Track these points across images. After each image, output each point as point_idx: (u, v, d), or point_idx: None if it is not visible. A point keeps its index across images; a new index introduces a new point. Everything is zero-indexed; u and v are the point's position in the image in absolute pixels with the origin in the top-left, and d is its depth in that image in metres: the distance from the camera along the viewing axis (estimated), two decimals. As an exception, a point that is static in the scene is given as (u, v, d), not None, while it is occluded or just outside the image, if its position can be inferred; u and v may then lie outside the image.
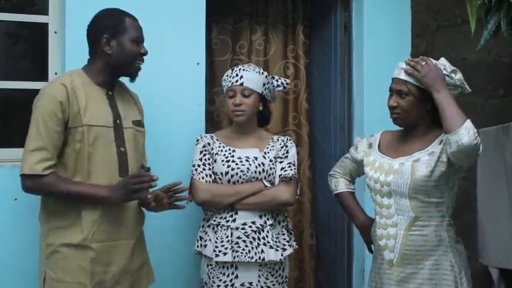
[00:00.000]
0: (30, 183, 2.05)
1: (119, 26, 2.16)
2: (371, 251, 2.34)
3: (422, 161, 2.07)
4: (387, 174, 2.13)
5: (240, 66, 2.57)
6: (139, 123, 2.30)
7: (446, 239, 2.09)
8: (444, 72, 2.09)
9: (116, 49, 2.16)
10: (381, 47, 3.16)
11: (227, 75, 2.56)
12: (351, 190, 2.44)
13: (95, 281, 2.09)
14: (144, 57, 2.24)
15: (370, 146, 2.30)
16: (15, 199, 2.45)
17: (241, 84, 2.49)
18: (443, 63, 2.14)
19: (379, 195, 2.17)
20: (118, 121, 2.19)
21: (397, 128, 2.26)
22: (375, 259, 2.23)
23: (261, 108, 2.57)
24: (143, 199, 2.16)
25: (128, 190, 2.06)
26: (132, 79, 2.25)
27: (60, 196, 2.08)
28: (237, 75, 2.51)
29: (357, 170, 2.40)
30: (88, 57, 2.24)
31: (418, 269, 2.08)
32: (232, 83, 2.51)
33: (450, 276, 2.07)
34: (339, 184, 2.43)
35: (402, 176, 2.08)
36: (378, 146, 2.26)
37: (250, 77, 2.52)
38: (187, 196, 2.26)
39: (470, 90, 2.16)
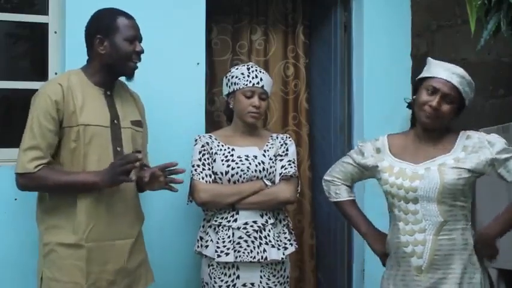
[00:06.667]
0: (23, 180, 2.06)
1: (111, 26, 2.15)
2: (384, 263, 2.26)
3: (449, 165, 2.05)
4: (412, 180, 2.07)
5: (255, 67, 2.53)
6: (138, 124, 2.30)
7: (470, 242, 2.08)
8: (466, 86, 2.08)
9: (109, 49, 2.16)
10: (381, 47, 3.16)
11: (243, 75, 2.49)
12: (353, 198, 2.35)
13: (91, 281, 2.09)
14: (144, 57, 2.23)
15: (378, 150, 2.21)
16: (16, 199, 2.45)
17: (262, 87, 2.49)
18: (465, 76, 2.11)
19: (403, 201, 2.09)
20: (115, 121, 2.19)
21: (399, 130, 2.24)
22: (397, 266, 2.15)
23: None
24: (129, 181, 2.10)
25: (116, 172, 2.05)
26: (129, 78, 2.25)
27: (53, 188, 2.08)
28: (256, 76, 2.49)
29: (361, 176, 2.31)
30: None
31: (447, 274, 2.05)
32: (254, 83, 2.48)
33: (477, 279, 2.06)
34: (341, 192, 2.32)
35: (430, 181, 2.04)
36: (390, 150, 2.19)
37: (267, 81, 2.53)
38: (181, 180, 2.25)
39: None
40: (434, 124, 2.08)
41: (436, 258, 2.05)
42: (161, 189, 2.27)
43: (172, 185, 2.26)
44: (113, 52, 2.16)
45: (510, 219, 2.08)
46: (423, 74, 2.13)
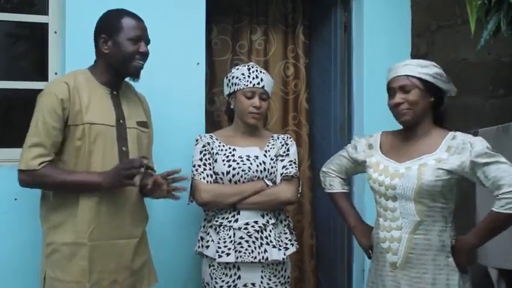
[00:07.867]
0: (25, 177, 2.06)
1: (115, 26, 2.16)
2: (369, 256, 2.29)
3: (429, 166, 2.05)
4: (393, 178, 2.10)
5: (255, 67, 2.53)
6: (143, 124, 2.30)
7: (448, 243, 2.08)
8: (432, 76, 2.09)
9: (112, 49, 2.16)
10: (381, 47, 3.16)
11: (243, 75, 2.50)
12: (346, 191, 2.41)
13: (93, 280, 2.09)
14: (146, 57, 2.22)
15: (370, 146, 2.26)
16: (16, 199, 2.45)
17: (263, 87, 2.49)
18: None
19: (383, 198, 2.14)
20: (121, 121, 2.19)
21: (395, 128, 2.24)
22: (376, 260, 2.21)
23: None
24: (132, 185, 2.11)
25: (120, 176, 2.05)
26: (134, 78, 2.24)
27: (56, 187, 2.09)
28: (257, 76, 2.49)
29: (355, 170, 2.37)
30: (88, 57, 2.24)
31: (421, 273, 2.06)
32: (254, 84, 2.48)
33: (454, 281, 2.06)
34: (335, 183, 2.39)
35: (408, 180, 2.06)
36: (380, 148, 2.23)
37: (268, 82, 2.53)
38: (185, 187, 2.24)
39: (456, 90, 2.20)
40: (412, 119, 2.11)
41: (411, 257, 2.07)
42: (163, 197, 2.24)
43: (175, 193, 2.23)
44: (116, 51, 2.16)
45: (487, 230, 2.05)
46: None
